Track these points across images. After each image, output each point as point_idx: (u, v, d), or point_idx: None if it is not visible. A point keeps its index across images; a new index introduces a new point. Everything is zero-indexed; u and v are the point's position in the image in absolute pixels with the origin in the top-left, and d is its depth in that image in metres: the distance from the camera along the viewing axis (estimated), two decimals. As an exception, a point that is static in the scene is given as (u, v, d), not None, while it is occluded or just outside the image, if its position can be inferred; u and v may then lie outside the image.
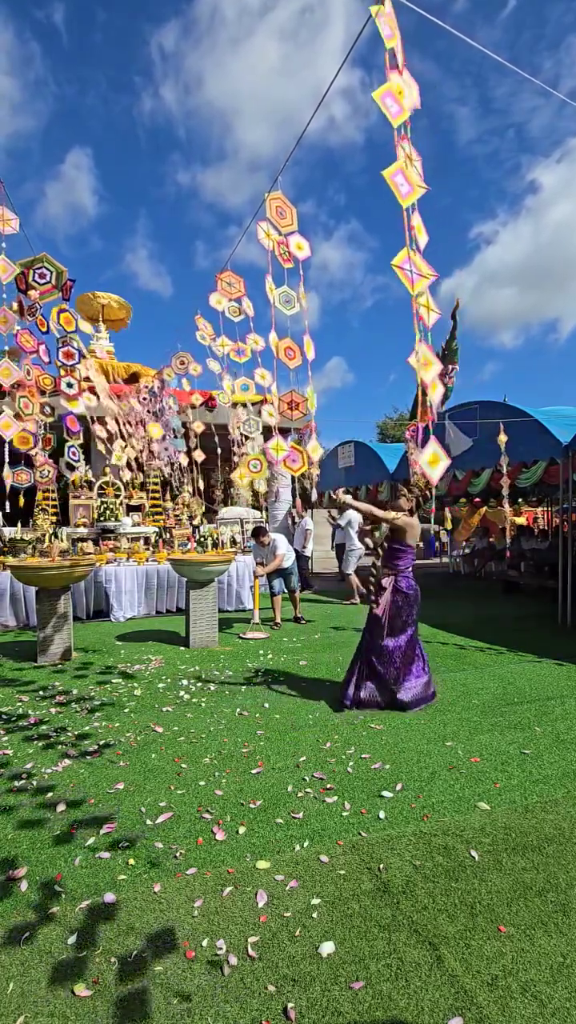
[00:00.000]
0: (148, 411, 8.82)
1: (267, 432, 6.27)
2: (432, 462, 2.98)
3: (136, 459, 9.31)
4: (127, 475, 9.00)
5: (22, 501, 7.22)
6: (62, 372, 5.66)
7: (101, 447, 8.18)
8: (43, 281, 4.81)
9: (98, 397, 7.42)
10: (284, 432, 9.11)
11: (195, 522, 9.68)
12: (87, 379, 7.08)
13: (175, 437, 8.88)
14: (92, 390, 7.32)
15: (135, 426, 9.00)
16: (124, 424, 8.73)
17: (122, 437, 8.43)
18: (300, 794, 2.83)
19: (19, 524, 8.24)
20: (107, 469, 9.00)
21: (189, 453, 8.95)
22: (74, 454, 6.32)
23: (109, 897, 2.06)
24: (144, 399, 8.85)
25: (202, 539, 6.99)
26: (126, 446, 8.49)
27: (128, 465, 9.31)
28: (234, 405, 6.27)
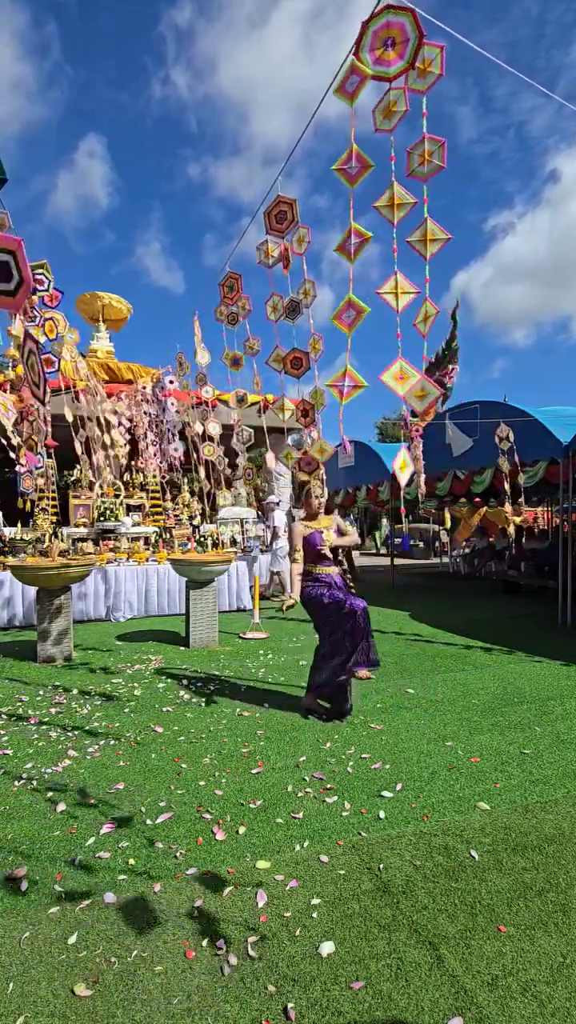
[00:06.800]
0: (145, 413, 8.82)
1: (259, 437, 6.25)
2: (401, 467, 3.12)
3: (131, 461, 9.31)
4: (109, 478, 9.00)
5: (27, 505, 7.25)
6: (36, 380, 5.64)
7: (99, 455, 8.20)
8: (42, 288, 4.82)
9: (77, 400, 7.41)
10: (281, 432, 9.07)
11: (195, 522, 9.69)
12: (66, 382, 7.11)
13: (172, 440, 8.89)
14: (79, 394, 7.33)
15: (135, 427, 8.99)
16: (113, 428, 8.74)
17: (106, 447, 8.42)
18: (300, 794, 2.83)
19: (19, 524, 8.24)
20: (107, 471, 9.02)
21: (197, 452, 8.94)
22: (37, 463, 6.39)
23: (109, 897, 2.06)
24: (141, 400, 8.85)
25: (202, 539, 6.99)
26: (109, 458, 8.52)
27: (121, 471, 9.34)
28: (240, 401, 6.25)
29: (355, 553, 4.50)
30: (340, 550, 4.33)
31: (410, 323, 3.03)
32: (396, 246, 2.95)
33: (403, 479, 3.17)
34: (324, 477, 4.39)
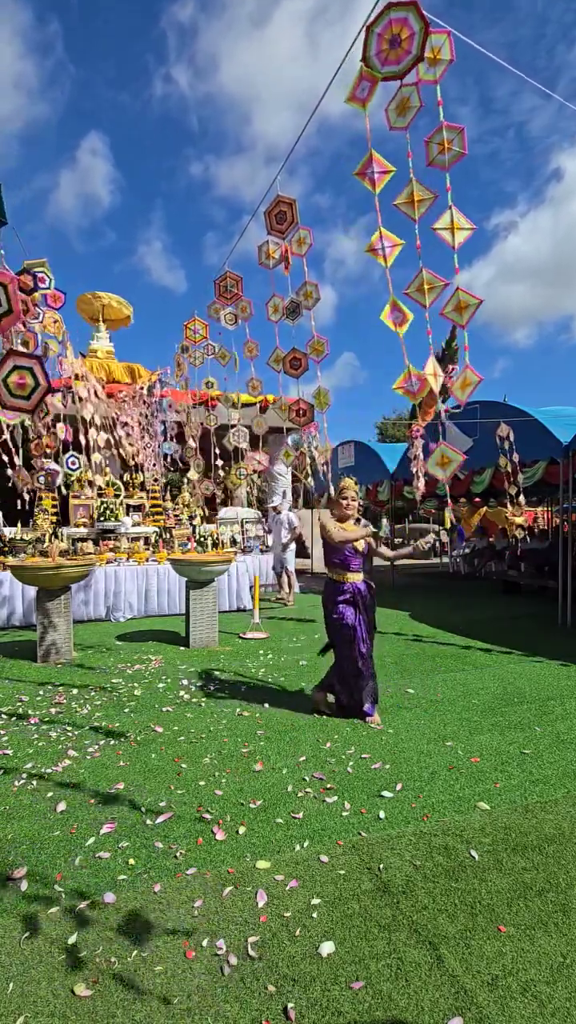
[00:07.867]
0: (142, 413, 8.83)
1: (256, 440, 6.27)
2: (441, 463, 3.02)
3: (132, 460, 9.32)
4: (103, 479, 9.00)
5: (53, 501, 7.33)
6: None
7: (97, 454, 8.22)
8: (44, 286, 4.86)
9: (75, 401, 7.45)
10: (281, 431, 9.06)
11: (195, 522, 9.69)
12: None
13: (168, 440, 8.90)
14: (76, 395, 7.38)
15: (133, 427, 9.00)
16: (113, 429, 8.75)
17: (95, 450, 8.45)
18: (300, 794, 2.83)
19: (19, 524, 8.24)
20: (107, 469, 9.02)
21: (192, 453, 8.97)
22: (72, 463, 6.44)
23: (109, 897, 2.06)
24: (139, 400, 8.86)
25: (202, 539, 6.99)
26: (108, 457, 8.56)
27: (121, 472, 9.38)
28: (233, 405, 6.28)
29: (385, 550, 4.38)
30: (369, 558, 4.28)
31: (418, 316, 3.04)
32: (420, 242, 2.93)
33: (447, 474, 3.04)
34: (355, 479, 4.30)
